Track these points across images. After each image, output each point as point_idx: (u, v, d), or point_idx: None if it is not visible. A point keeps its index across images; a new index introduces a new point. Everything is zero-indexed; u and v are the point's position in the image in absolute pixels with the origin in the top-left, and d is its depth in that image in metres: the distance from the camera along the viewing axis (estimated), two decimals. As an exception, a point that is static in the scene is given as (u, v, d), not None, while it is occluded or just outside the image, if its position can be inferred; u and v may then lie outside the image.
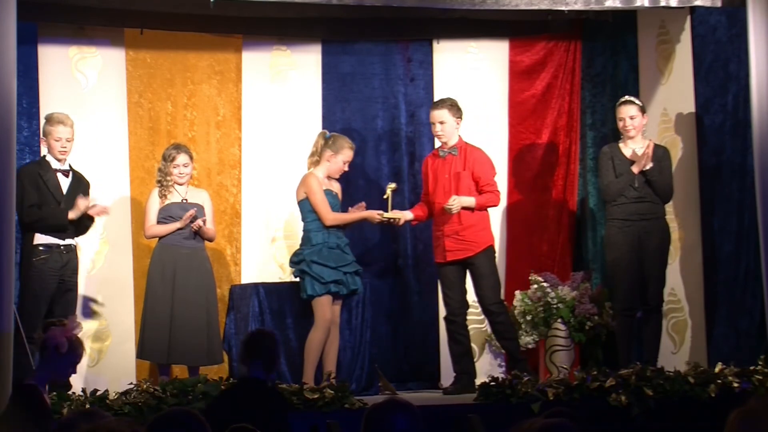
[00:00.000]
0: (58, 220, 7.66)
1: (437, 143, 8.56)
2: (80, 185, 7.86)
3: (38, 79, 8.49)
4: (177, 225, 8.08)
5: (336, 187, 8.25)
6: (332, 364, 8.05)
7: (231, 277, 8.94)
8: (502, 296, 8.48)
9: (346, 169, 8.25)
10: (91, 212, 7.82)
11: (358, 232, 8.98)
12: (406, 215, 8.35)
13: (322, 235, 8.11)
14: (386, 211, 8.24)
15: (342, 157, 8.19)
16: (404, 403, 3.78)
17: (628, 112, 8.22)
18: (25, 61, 8.17)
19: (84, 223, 7.85)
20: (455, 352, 8.29)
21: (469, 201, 8.18)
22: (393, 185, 8.29)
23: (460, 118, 8.29)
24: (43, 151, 7.98)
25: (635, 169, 8.09)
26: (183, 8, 8.39)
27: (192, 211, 8.06)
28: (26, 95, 8.36)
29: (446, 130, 8.26)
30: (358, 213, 8.23)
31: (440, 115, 8.26)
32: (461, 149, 8.28)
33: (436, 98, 9.36)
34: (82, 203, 7.71)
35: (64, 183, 7.81)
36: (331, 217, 8.12)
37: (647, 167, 8.07)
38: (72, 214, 7.69)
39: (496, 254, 8.43)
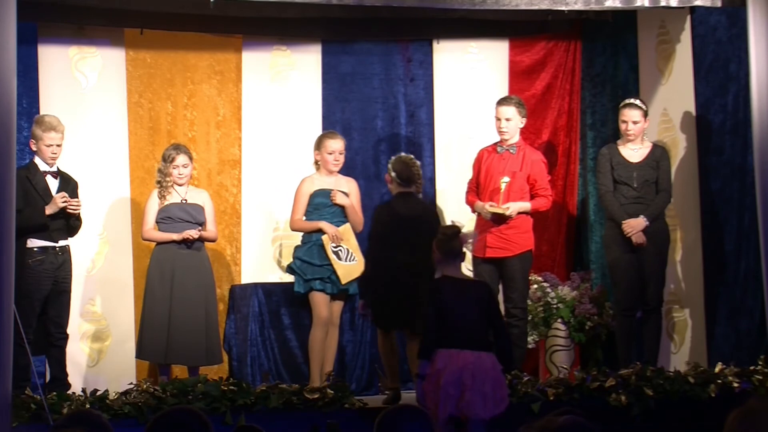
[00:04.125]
0: (37, 219, 7.59)
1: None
2: (68, 186, 7.82)
3: (38, 79, 8.49)
4: (174, 237, 8.06)
5: (344, 186, 8.26)
6: (330, 364, 8.06)
7: (231, 277, 8.93)
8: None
9: (339, 159, 8.24)
10: (67, 207, 7.69)
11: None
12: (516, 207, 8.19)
13: (314, 234, 8.13)
14: (498, 204, 8.14)
15: (325, 150, 8.21)
16: (416, 409, 3.80)
17: (632, 117, 8.22)
18: (25, 61, 8.17)
19: (70, 224, 7.81)
20: None
21: (525, 206, 8.19)
22: (507, 179, 8.18)
23: (525, 117, 8.32)
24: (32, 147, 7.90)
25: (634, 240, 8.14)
26: (183, 8, 8.39)
27: (192, 233, 8.03)
28: (26, 95, 8.36)
29: (511, 127, 8.24)
30: (314, 223, 8.19)
31: (508, 111, 8.24)
32: (520, 149, 8.28)
33: (436, 98, 9.38)
34: (58, 197, 7.67)
35: (53, 184, 7.77)
36: (292, 224, 8.31)
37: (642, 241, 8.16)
38: (49, 210, 7.64)
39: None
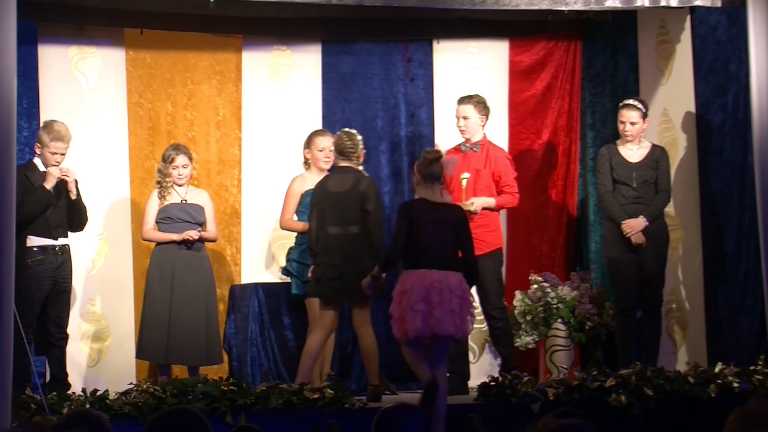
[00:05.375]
0: (39, 201, 7.60)
1: (460, 138, 8.49)
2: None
3: (38, 80, 8.49)
4: (174, 237, 8.07)
5: None
6: (328, 365, 8.06)
7: (231, 277, 8.93)
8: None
9: (330, 156, 8.24)
10: (62, 177, 7.67)
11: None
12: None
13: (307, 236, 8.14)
14: (461, 201, 8.12)
15: (315, 147, 8.31)
16: (414, 407, 3.80)
17: (630, 118, 8.22)
18: (25, 61, 8.17)
19: (72, 213, 7.80)
20: (451, 351, 8.23)
21: (489, 202, 8.20)
22: (467, 175, 8.23)
23: (486, 116, 8.35)
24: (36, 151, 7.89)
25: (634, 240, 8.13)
26: (183, 8, 8.39)
27: (192, 233, 8.04)
28: (26, 95, 8.36)
29: (469, 125, 8.30)
30: (304, 225, 8.16)
31: (465, 110, 8.31)
32: (483, 147, 8.32)
33: (436, 98, 9.39)
34: (54, 170, 7.66)
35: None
36: (282, 223, 8.37)
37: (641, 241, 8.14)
38: (48, 184, 7.63)
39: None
